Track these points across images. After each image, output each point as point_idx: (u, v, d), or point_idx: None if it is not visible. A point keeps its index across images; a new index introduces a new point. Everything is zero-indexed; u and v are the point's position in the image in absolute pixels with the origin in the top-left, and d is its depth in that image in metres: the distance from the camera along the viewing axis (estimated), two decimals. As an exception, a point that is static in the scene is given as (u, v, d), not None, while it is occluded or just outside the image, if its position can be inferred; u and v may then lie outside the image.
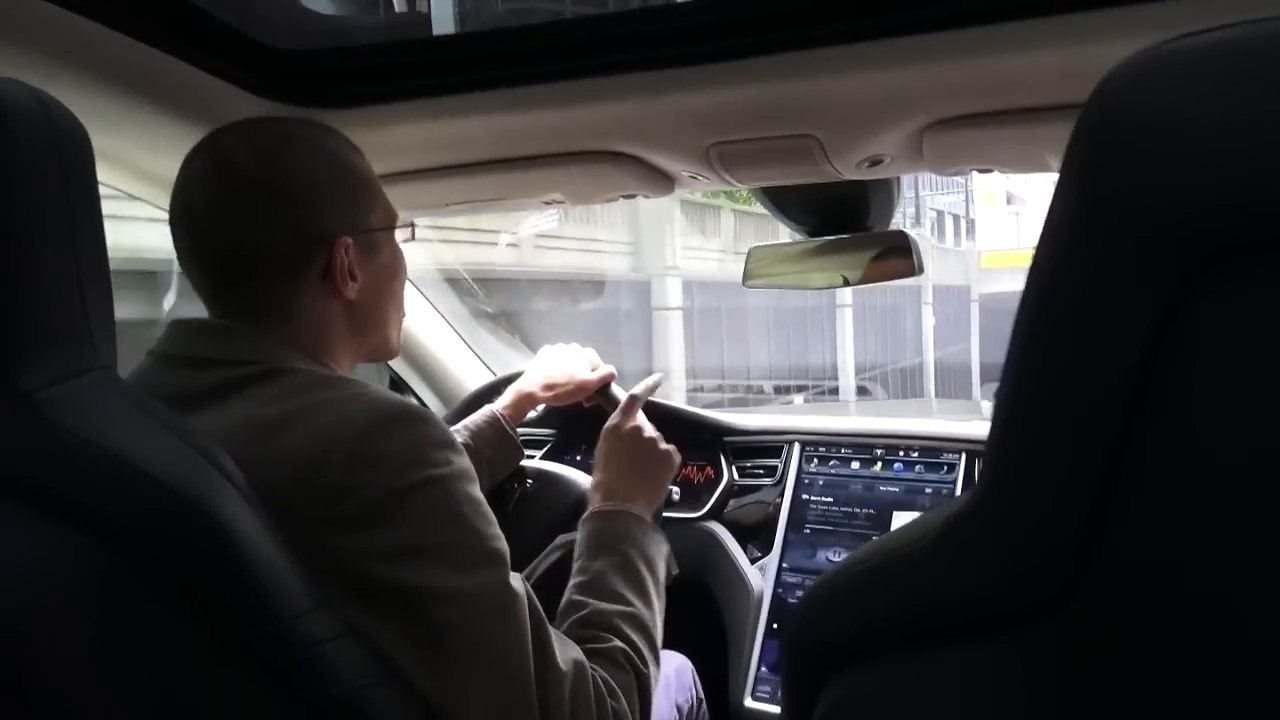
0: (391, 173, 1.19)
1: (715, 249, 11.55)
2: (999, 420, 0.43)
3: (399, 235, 0.98)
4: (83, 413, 0.62)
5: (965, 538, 0.45)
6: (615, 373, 1.50)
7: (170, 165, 0.89)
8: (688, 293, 10.58)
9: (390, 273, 0.96)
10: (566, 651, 0.84)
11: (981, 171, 1.11)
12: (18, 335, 0.59)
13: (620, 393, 1.50)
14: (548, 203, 1.35)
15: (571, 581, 1.00)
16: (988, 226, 22.86)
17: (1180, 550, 0.36)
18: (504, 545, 0.82)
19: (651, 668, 0.93)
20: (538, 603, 0.83)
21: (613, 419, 1.21)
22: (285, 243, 0.86)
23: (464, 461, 0.82)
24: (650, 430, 1.20)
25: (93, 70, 0.94)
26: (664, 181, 1.22)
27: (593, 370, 1.48)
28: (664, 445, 1.20)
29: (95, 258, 0.65)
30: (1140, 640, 0.37)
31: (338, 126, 0.96)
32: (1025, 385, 0.41)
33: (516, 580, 0.81)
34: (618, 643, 0.91)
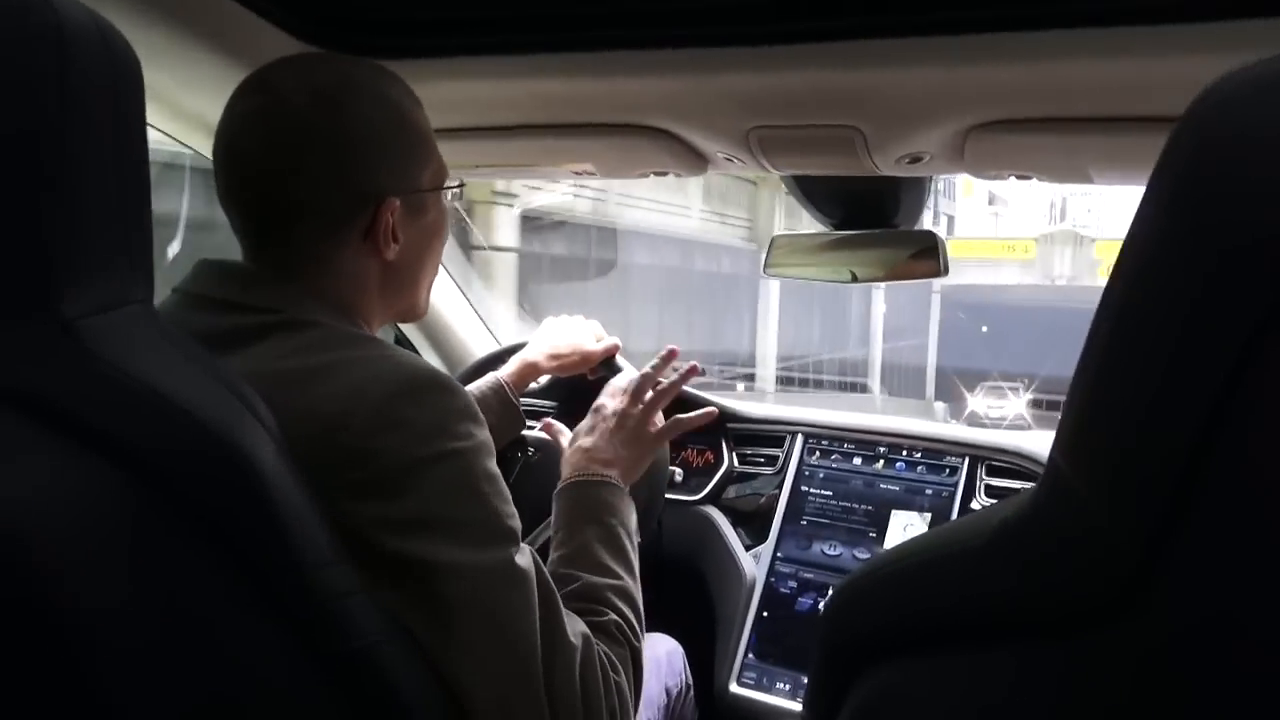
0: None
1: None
2: (1069, 426, 0.42)
3: (447, 194, 0.95)
4: (122, 345, 0.60)
5: (1023, 540, 0.44)
6: (620, 344, 1.50)
7: (206, 104, 0.87)
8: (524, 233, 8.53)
9: (432, 233, 0.94)
10: (575, 626, 0.84)
11: (1020, 178, 1.11)
12: (63, 262, 0.58)
13: (626, 365, 1.50)
14: (578, 173, 1.34)
15: (556, 553, 0.99)
16: (965, 221, 22.62)
17: (1234, 580, 0.36)
18: (518, 524, 0.81)
19: (641, 640, 0.93)
20: (549, 577, 0.83)
21: (614, 382, 1.20)
22: (333, 196, 0.84)
23: (485, 435, 0.81)
24: (646, 404, 1.17)
25: None
26: (698, 161, 1.22)
27: (597, 341, 1.48)
28: (657, 421, 1.17)
29: (139, 191, 0.64)
30: (1188, 657, 0.37)
31: None
32: (1102, 394, 0.41)
33: (527, 557, 0.81)
34: (612, 615, 0.91)
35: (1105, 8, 0.79)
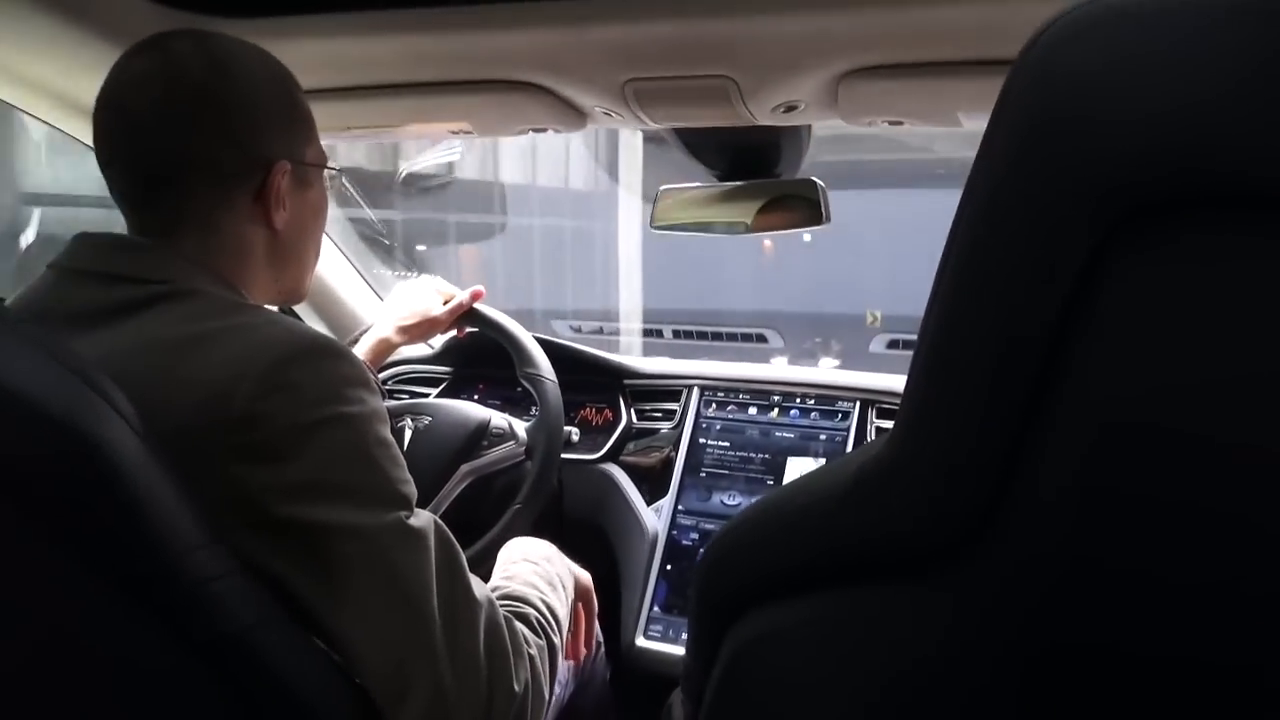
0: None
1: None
2: (919, 364, 0.43)
3: (327, 177, 0.96)
4: None
5: (884, 479, 0.45)
6: (480, 292, 1.51)
7: (70, 82, 0.82)
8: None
9: (316, 210, 0.95)
10: (481, 590, 0.84)
11: (892, 124, 1.12)
12: None
13: (495, 313, 1.52)
14: (454, 132, 1.30)
15: (491, 584, 1.00)
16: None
17: (1083, 511, 0.37)
18: (413, 490, 0.81)
19: (561, 640, 0.95)
20: (452, 541, 0.82)
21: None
22: (225, 154, 0.83)
23: (377, 402, 0.81)
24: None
25: None
26: (576, 117, 1.20)
27: (445, 302, 1.48)
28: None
29: None
30: (1049, 575, 0.38)
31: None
32: (948, 329, 0.41)
33: (424, 520, 0.80)
34: (534, 611, 0.93)
35: None
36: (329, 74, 1.13)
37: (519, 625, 0.88)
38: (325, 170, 0.95)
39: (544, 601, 0.96)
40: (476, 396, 1.85)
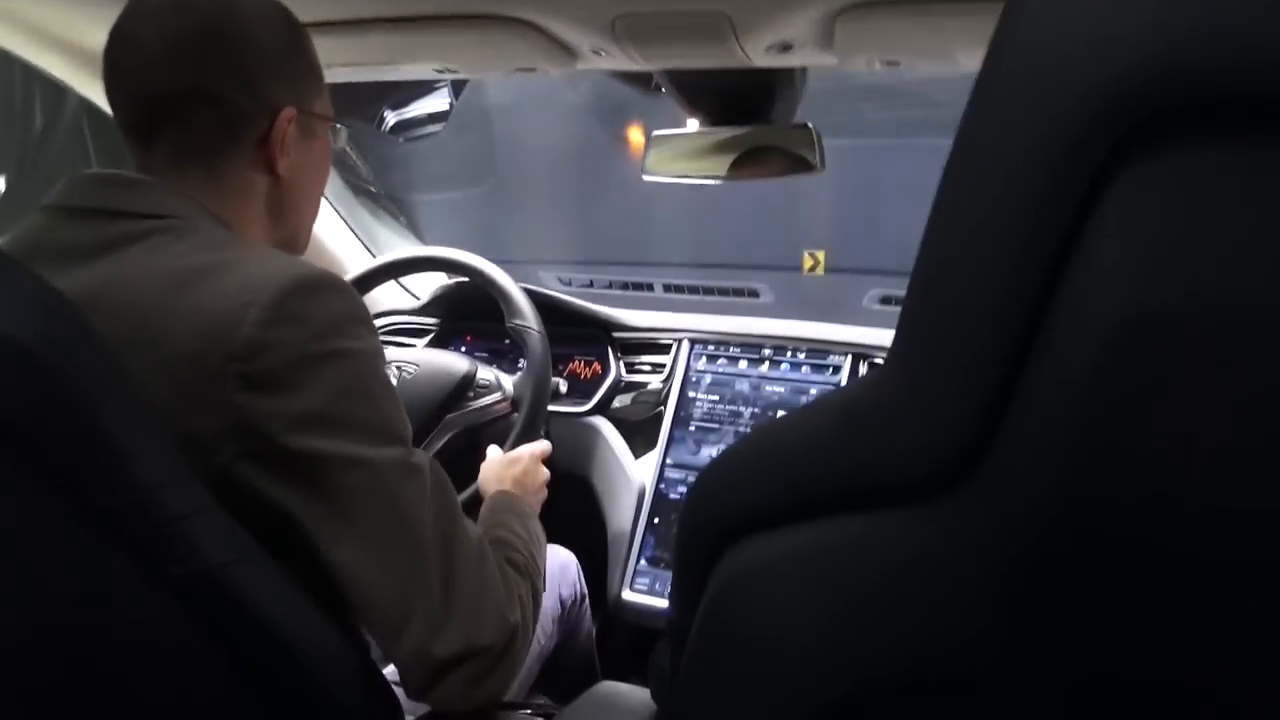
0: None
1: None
2: (915, 292, 0.41)
3: (333, 131, 0.97)
4: None
5: (877, 408, 0.44)
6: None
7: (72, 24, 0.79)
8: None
9: (319, 162, 0.95)
10: (474, 529, 0.85)
11: (888, 64, 1.09)
12: None
13: (484, 263, 1.52)
14: (440, 71, 1.27)
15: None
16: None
17: (1084, 416, 0.35)
18: (409, 430, 0.82)
19: (542, 588, 0.96)
20: (446, 477, 0.83)
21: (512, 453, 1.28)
22: (232, 94, 0.83)
23: (378, 342, 0.82)
24: (536, 463, 1.26)
25: None
26: (566, 55, 1.16)
27: None
28: (543, 470, 1.27)
29: None
30: (1045, 505, 0.37)
31: None
32: (944, 256, 0.40)
33: (421, 457, 0.81)
34: (520, 556, 0.94)
35: None
36: (311, 7, 1.10)
37: (507, 566, 0.89)
38: (330, 123, 0.95)
39: (528, 548, 0.97)
40: (464, 348, 1.83)
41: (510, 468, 1.22)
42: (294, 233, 0.96)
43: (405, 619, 0.76)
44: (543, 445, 1.31)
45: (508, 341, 1.84)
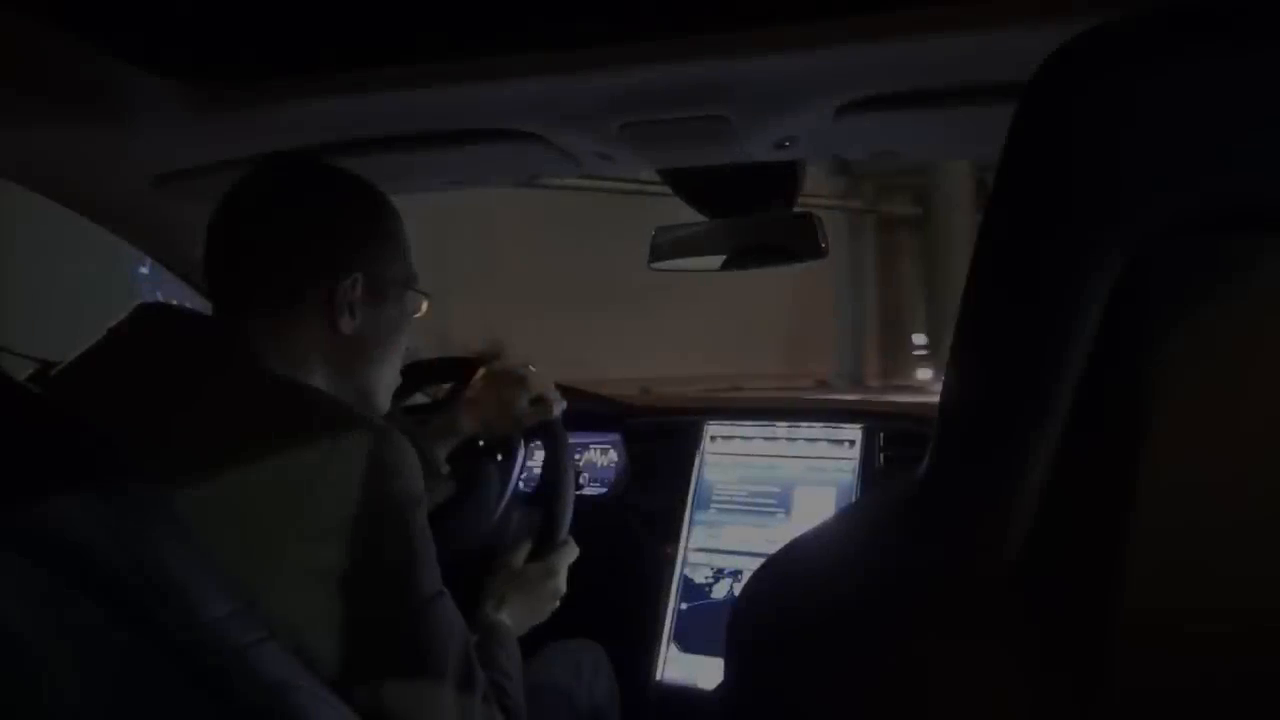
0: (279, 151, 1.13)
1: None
2: (946, 398, 0.43)
3: (414, 301, 1.03)
4: None
5: (911, 516, 0.45)
6: (567, 405, 1.37)
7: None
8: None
9: (391, 324, 0.99)
10: (483, 679, 0.87)
11: (886, 155, 1.13)
12: None
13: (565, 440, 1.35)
14: (451, 184, 1.31)
15: None
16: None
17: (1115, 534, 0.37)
18: (438, 577, 0.83)
19: None
20: (465, 628, 0.85)
21: (543, 565, 1.23)
22: (296, 259, 0.91)
23: (420, 487, 0.83)
24: (558, 573, 1.23)
25: None
26: (570, 162, 1.20)
27: (533, 400, 1.32)
28: (561, 584, 1.23)
29: None
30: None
31: (218, 103, 0.96)
32: (974, 363, 0.41)
33: (448, 609, 0.83)
34: (510, 701, 0.95)
35: None
36: (325, 132, 1.13)
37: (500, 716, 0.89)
38: (409, 290, 1.01)
39: (517, 691, 0.99)
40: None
41: (525, 588, 1.19)
42: (368, 389, 0.99)
43: None
44: (569, 556, 1.26)
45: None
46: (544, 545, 1.26)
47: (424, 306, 1.04)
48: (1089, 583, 0.38)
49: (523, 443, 1.36)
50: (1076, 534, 0.39)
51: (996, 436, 0.41)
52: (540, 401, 1.30)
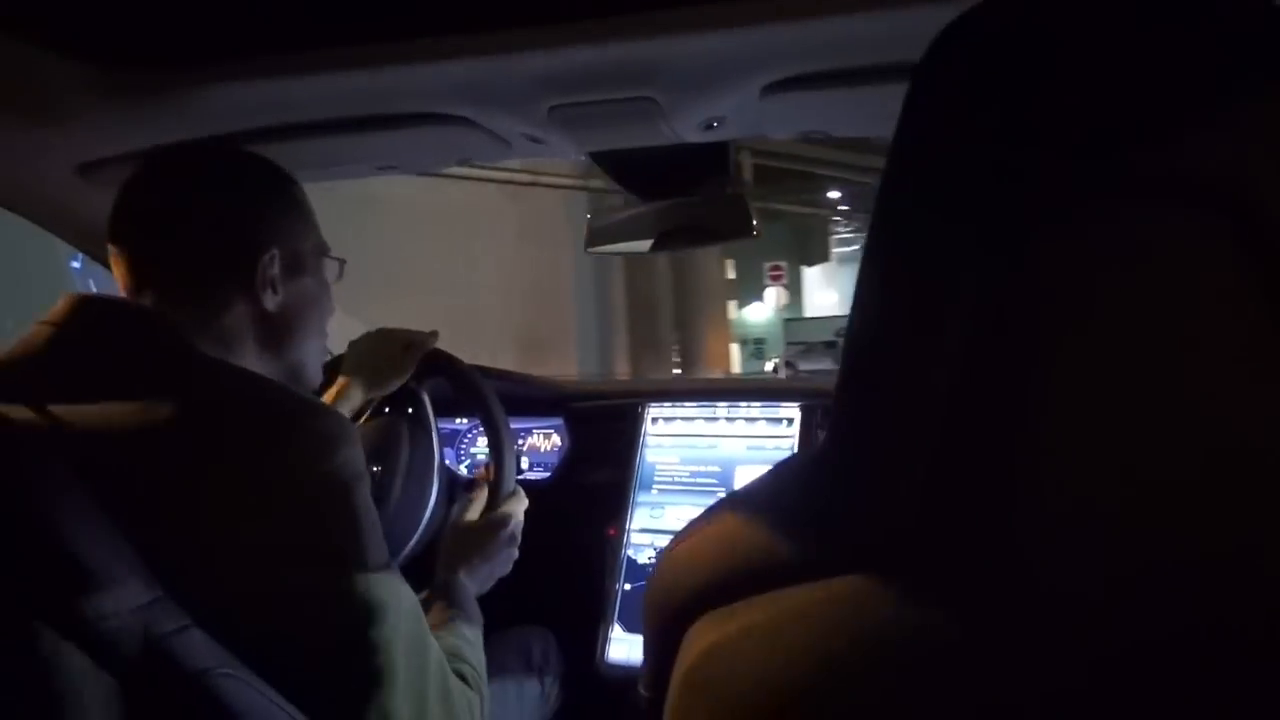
0: (211, 137, 1.11)
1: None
2: (844, 367, 0.44)
3: (329, 267, 1.04)
4: None
5: (816, 486, 0.46)
6: (436, 333, 1.40)
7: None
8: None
9: (312, 296, 1.00)
10: (438, 653, 0.87)
11: (814, 134, 1.14)
12: None
13: (460, 365, 1.41)
14: (381, 169, 1.30)
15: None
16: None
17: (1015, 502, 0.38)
18: (385, 554, 0.83)
19: (486, 694, 0.99)
20: (419, 608, 0.86)
21: (493, 517, 1.26)
22: (213, 238, 0.91)
23: (362, 464, 0.83)
24: (510, 521, 1.26)
25: None
26: (500, 146, 1.20)
27: (404, 347, 1.37)
28: (516, 532, 1.26)
29: None
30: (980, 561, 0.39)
31: (139, 89, 0.94)
32: (870, 323, 0.43)
33: (394, 587, 0.83)
34: (468, 667, 0.97)
35: None
36: (250, 117, 1.12)
37: (457, 682, 0.91)
38: (324, 258, 1.02)
39: (476, 656, 1.00)
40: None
41: (479, 543, 1.22)
42: (298, 365, 1.00)
43: None
44: (520, 504, 1.29)
45: (460, 421, 1.84)
46: (493, 497, 1.28)
47: (341, 271, 1.06)
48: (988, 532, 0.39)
49: (423, 392, 1.38)
50: (974, 480, 0.40)
51: (891, 386, 0.42)
52: (410, 345, 1.34)
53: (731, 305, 18.06)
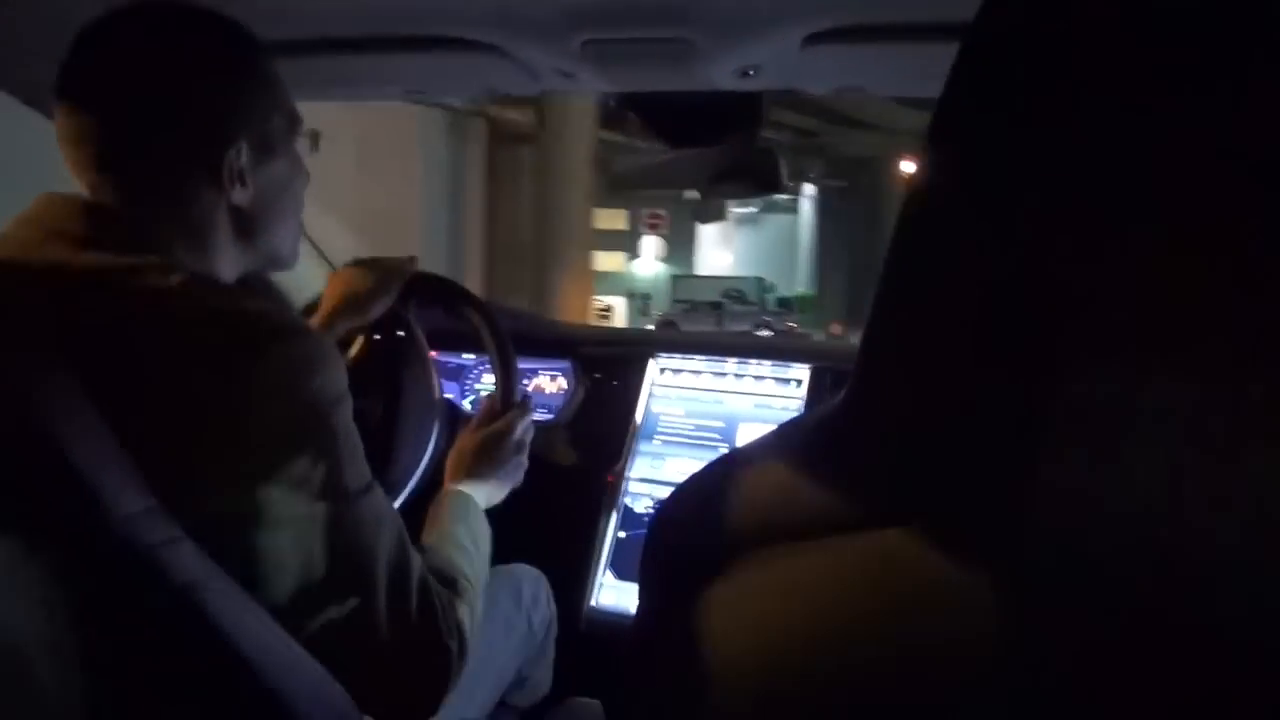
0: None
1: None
2: (872, 320, 0.43)
3: (300, 142, 0.94)
4: None
5: (835, 440, 0.45)
6: (415, 258, 1.34)
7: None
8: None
9: (285, 180, 0.92)
10: (419, 563, 0.86)
11: (851, 90, 1.11)
12: None
13: (450, 282, 1.37)
14: (408, 93, 1.27)
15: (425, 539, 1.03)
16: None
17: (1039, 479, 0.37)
18: (367, 474, 0.83)
19: (480, 607, 0.97)
20: (401, 525, 0.85)
21: (497, 424, 1.22)
22: (175, 131, 0.82)
23: (344, 385, 0.81)
24: (516, 430, 1.22)
25: None
26: (529, 79, 1.17)
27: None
28: (524, 442, 1.23)
29: None
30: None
31: None
32: (903, 278, 0.41)
33: (377, 505, 0.82)
34: (462, 579, 0.95)
35: None
36: (279, 27, 1.09)
37: (444, 599, 0.89)
38: (295, 135, 0.93)
39: (473, 567, 0.99)
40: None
41: (485, 449, 1.19)
42: (274, 248, 0.94)
43: (349, 654, 0.79)
44: (526, 416, 1.26)
45: (467, 357, 1.83)
46: (500, 406, 1.26)
47: (316, 143, 0.98)
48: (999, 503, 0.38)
49: (411, 315, 1.35)
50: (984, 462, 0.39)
51: (914, 360, 0.41)
52: (390, 270, 1.29)
53: (620, 257, 17.41)
